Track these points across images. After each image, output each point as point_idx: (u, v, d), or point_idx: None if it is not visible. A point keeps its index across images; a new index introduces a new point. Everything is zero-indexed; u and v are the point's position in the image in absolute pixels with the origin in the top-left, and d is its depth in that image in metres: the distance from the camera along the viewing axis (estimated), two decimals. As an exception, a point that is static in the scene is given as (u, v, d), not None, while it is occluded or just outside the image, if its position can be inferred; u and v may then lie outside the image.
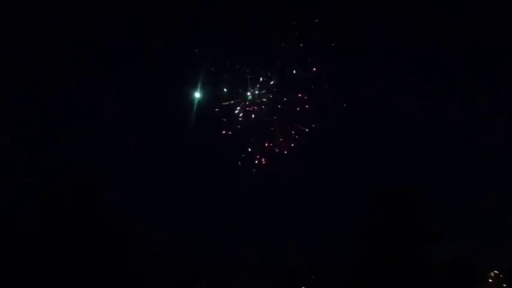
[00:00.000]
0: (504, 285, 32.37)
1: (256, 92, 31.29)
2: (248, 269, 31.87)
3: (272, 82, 31.11)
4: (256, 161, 31.07)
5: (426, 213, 25.26)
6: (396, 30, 33.23)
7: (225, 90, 31.12)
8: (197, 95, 30.99)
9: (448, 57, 33.97)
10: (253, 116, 31.41)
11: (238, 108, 31.17)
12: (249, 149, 31.44)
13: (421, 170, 32.28)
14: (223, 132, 31.31)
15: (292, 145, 31.04)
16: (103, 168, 28.67)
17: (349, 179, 32.77)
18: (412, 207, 25.06)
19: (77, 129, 33.03)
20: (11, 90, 31.62)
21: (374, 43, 32.90)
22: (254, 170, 30.89)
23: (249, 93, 31.20)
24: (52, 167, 28.81)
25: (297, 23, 30.07)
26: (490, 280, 32.08)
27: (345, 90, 31.51)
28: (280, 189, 31.90)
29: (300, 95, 31.02)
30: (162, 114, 33.69)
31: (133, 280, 25.54)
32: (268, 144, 31.15)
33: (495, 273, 32.11)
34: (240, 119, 31.39)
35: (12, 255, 23.56)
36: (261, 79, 31.23)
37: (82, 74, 33.21)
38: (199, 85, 30.78)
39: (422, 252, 25.50)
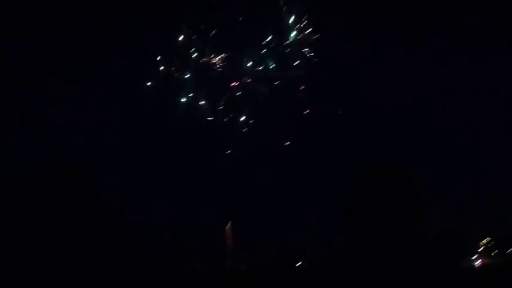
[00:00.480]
0: (494, 253, 32.79)
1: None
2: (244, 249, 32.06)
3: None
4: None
5: (414, 188, 25.29)
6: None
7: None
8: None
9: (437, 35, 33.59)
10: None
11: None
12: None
13: (407, 145, 32.16)
14: None
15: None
16: (94, 162, 28.56)
17: (336, 157, 32.61)
18: (399, 183, 25.08)
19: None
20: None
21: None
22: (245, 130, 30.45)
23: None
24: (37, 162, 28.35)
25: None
26: (479, 249, 32.45)
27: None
28: (269, 166, 31.75)
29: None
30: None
31: (125, 269, 25.60)
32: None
33: (485, 242, 32.46)
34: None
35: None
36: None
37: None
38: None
39: (412, 225, 25.62)
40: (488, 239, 32.54)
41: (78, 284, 23.29)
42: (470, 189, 31.47)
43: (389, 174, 25.34)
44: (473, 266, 30.97)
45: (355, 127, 31.88)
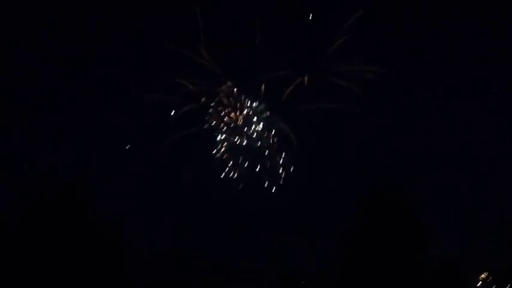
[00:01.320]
0: (494, 287, 32.47)
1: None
2: (242, 274, 32.17)
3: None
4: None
5: (415, 218, 25.24)
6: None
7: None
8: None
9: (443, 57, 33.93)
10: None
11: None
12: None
13: (408, 173, 32.22)
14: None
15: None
16: (95, 175, 28.77)
17: (337, 182, 32.76)
18: (400, 212, 25.07)
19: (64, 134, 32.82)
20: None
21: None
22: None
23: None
24: (39, 172, 28.65)
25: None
26: (479, 283, 32.14)
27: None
28: (269, 196, 32.15)
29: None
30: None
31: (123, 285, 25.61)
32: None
33: (485, 276, 32.18)
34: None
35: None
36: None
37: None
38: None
39: (411, 257, 25.54)
40: (486, 273, 32.30)
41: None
42: (470, 221, 31.46)
43: (390, 201, 25.23)
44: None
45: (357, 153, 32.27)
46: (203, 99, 32.16)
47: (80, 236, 24.64)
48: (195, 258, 30.44)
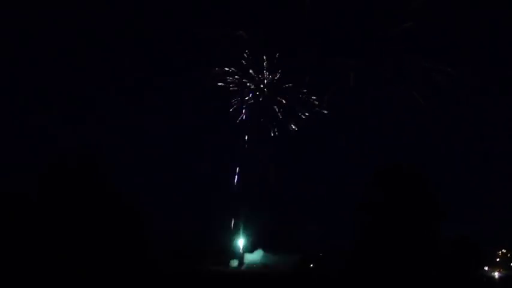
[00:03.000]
0: (512, 264, 32.13)
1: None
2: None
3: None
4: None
5: (432, 189, 24.91)
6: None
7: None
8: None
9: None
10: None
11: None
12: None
13: (426, 147, 31.98)
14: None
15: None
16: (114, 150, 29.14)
17: (355, 155, 32.57)
18: (417, 183, 24.74)
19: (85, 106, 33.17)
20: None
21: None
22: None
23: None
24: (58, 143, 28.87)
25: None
26: (497, 259, 31.84)
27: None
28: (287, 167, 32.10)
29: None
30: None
31: (138, 255, 25.61)
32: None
33: (503, 252, 31.85)
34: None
35: (21, 226, 23.68)
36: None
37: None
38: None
39: (429, 228, 25.17)
40: (504, 250, 31.95)
41: (96, 264, 23.41)
42: (490, 196, 31.07)
43: (407, 173, 24.92)
44: (491, 276, 30.33)
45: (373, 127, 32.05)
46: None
47: (96, 200, 24.61)
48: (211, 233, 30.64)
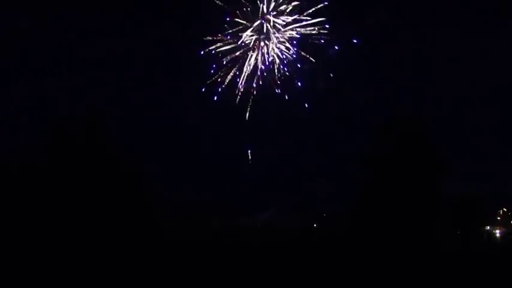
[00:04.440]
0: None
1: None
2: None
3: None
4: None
5: (433, 142, 24.75)
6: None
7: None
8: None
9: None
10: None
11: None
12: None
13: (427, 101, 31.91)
14: None
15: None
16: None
17: (356, 110, 32.54)
18: (421, 137, 24.59)
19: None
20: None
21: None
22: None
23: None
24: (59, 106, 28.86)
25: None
26: (498, 218, 32.10)
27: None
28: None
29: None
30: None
31: (142, 216, 25.82)
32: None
33: (504, 211, 32.09)
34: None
35: (28, 192, 23.85)
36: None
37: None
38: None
39: (431, 182, 25.07)
40: (505, 209, 32.15)
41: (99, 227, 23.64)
42: (492, 154, 31.14)
43: (408, 126, 24.73)
44: (493, 233, 30.64)
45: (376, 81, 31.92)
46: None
47: (97, 165, 24.66)
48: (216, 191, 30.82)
